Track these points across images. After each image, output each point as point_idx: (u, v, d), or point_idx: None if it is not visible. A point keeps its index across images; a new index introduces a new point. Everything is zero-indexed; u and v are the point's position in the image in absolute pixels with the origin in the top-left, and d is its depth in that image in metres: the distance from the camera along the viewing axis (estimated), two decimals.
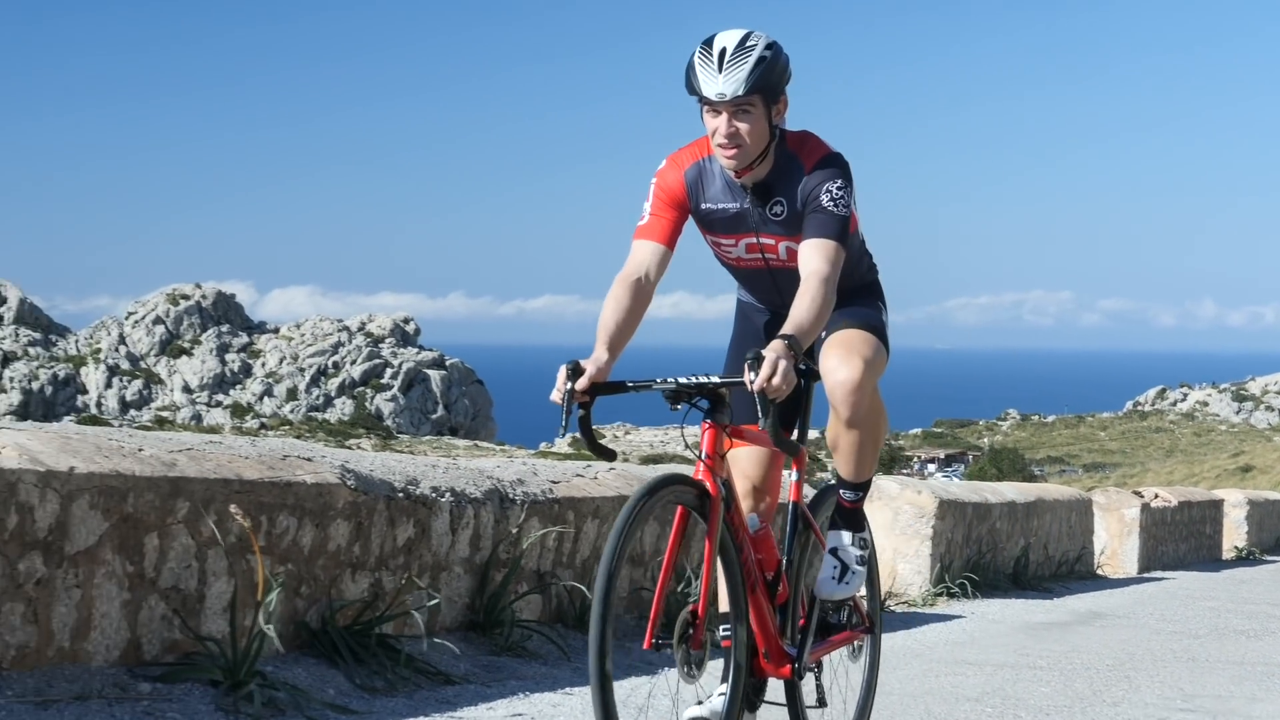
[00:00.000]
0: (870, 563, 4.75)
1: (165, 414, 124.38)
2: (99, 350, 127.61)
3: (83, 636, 4.68)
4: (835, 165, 4.36)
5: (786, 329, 4.06)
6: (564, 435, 4.21)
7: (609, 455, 4.20)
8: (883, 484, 11.32)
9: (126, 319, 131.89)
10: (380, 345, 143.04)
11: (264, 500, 5.25)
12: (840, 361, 4.36)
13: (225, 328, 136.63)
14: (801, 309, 4.15)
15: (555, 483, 6.95)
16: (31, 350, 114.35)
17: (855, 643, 4.89)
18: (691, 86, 4.26)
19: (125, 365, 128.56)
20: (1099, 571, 15.85)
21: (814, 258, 4.26)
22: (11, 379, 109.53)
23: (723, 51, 4.19)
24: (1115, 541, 16.94)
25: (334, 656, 5.44)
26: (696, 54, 4.24)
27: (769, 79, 4.20)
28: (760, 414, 3.89)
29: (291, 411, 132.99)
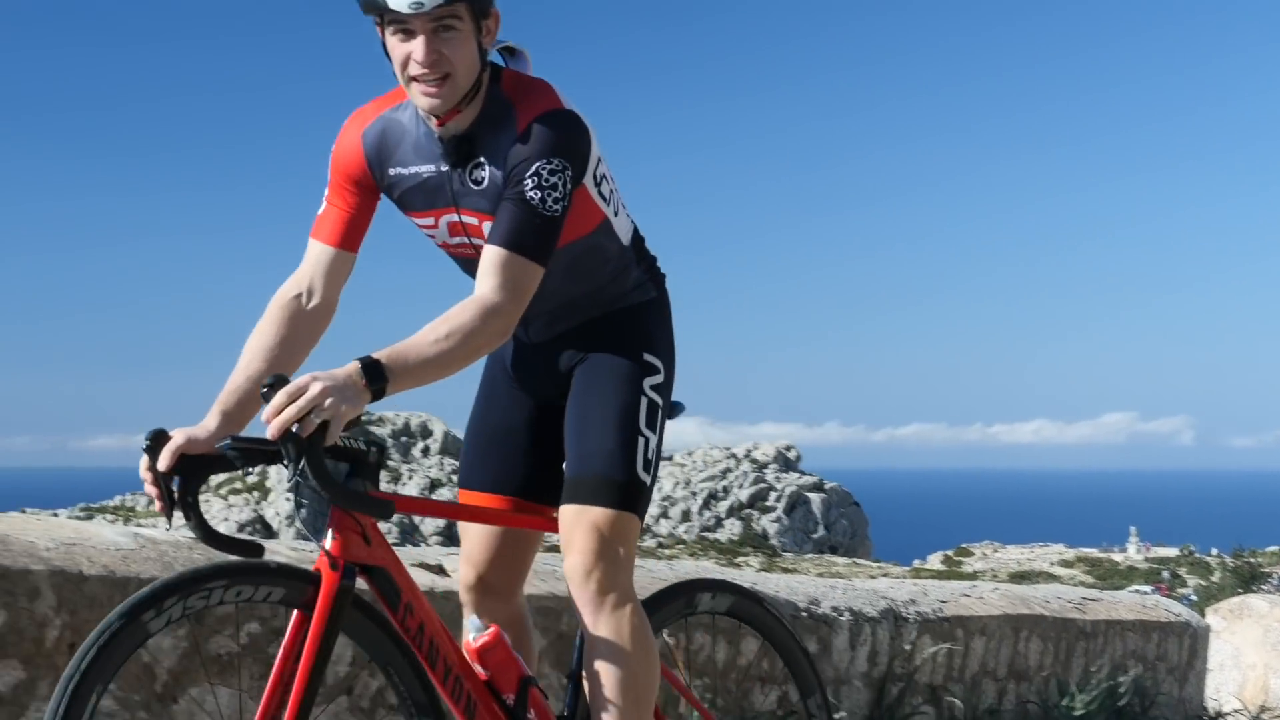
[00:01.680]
0: None
1: None
2: None
3: None
4: (558, 130, 2.99)
5: (379, 352, 2.76)
6: (170, 529, 3.08)
7: (247, 549, 2.84)
8: (1251, 602, 11.11)
9: None
10: (765, 470, 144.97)
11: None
12: (577, 549, 3.07)
13: None
14: (419, 338, 2.81)
15: (944, 602, 7.10)
16: (454, 477, 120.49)
17: None
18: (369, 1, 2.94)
19: None
20: None
21: (484, 276, 2.93)
22: None
23: None
24: None
25: None
26: None
27: None
28: (287, 464, 2.65)
29: (685, 532, 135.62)
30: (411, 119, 3.13)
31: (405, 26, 2.93)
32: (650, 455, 3.16)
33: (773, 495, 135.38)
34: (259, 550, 2.83)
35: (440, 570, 4.81)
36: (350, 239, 3.18)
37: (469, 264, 3.18)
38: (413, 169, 3.13)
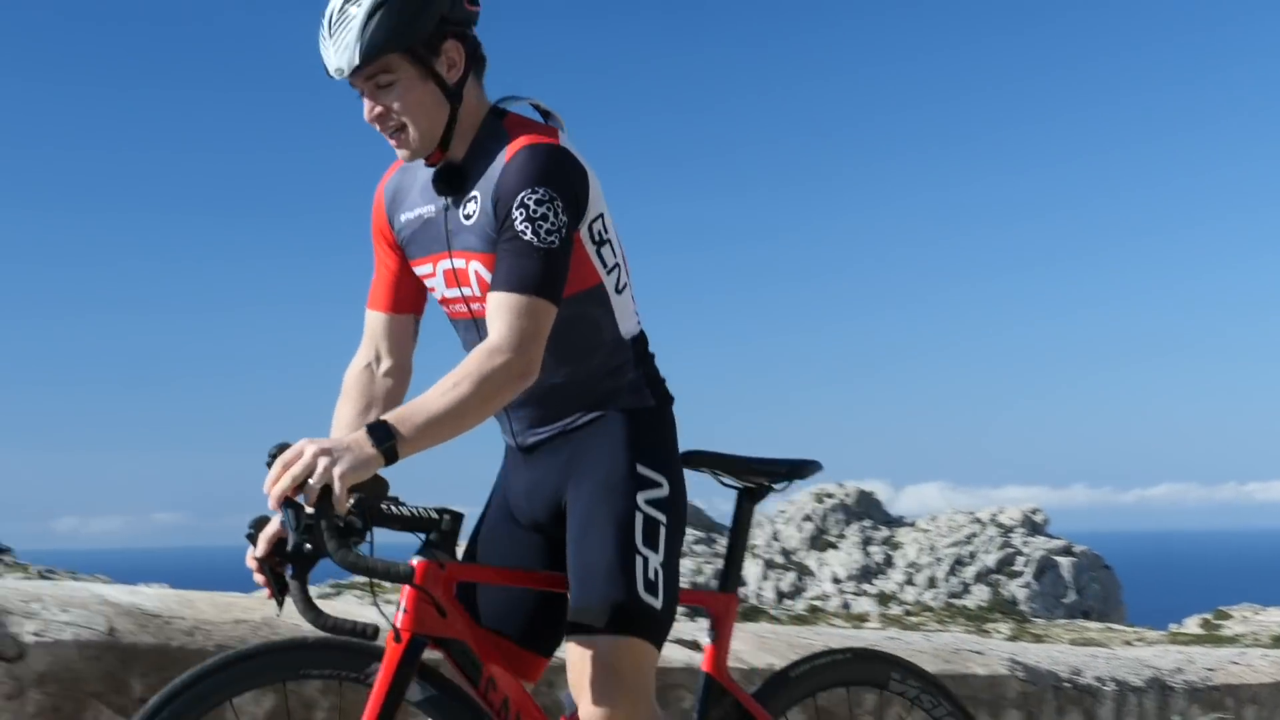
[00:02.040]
0: None
1: (817, 603, 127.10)
2: (755, 546, 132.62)
3: None
4: (544, 159, 2.78)
5: (387, 414, 2.64)
6: (280, 615, 3.03)
7: (359, 631, 2.67)
8: None
9: (778, 516, 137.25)
10: (1011, 534, 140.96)
11: None
12: (587, 685, 2.82)
13: (867, 522, 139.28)
14: (429, 393, 2.66)
15: (1212, 670, 6.92)
16: (696, 548, 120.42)
17: None
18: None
19: (779, 559, 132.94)
20: None
21: (491, 323, 2.76)
22: (681, 574, 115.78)
23: (330, 14, 2.79)
24: None
25: None
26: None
27: (398, 30, 2.74)
28: (290, 531, 2.56)
29: (932, 599, 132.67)
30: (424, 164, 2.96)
31: (354, 86, 2.82)
32: (653, 576, 2.83)
33: (1020, 560, 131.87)
34: (372, 633, 2.62)
35: (695, 646, 4.82)
36: (400, 301, 3.05)
37: (465, 328, 2.97)
38: (417, 211, 2.97)
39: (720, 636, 3.09)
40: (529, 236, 2.72)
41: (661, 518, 2.87)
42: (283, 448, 2.50)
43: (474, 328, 2.93)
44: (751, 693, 3.12)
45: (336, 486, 2.46)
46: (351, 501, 2.51)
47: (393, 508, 2.64)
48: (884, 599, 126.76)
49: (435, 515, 2.69)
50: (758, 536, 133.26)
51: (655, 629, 2.83)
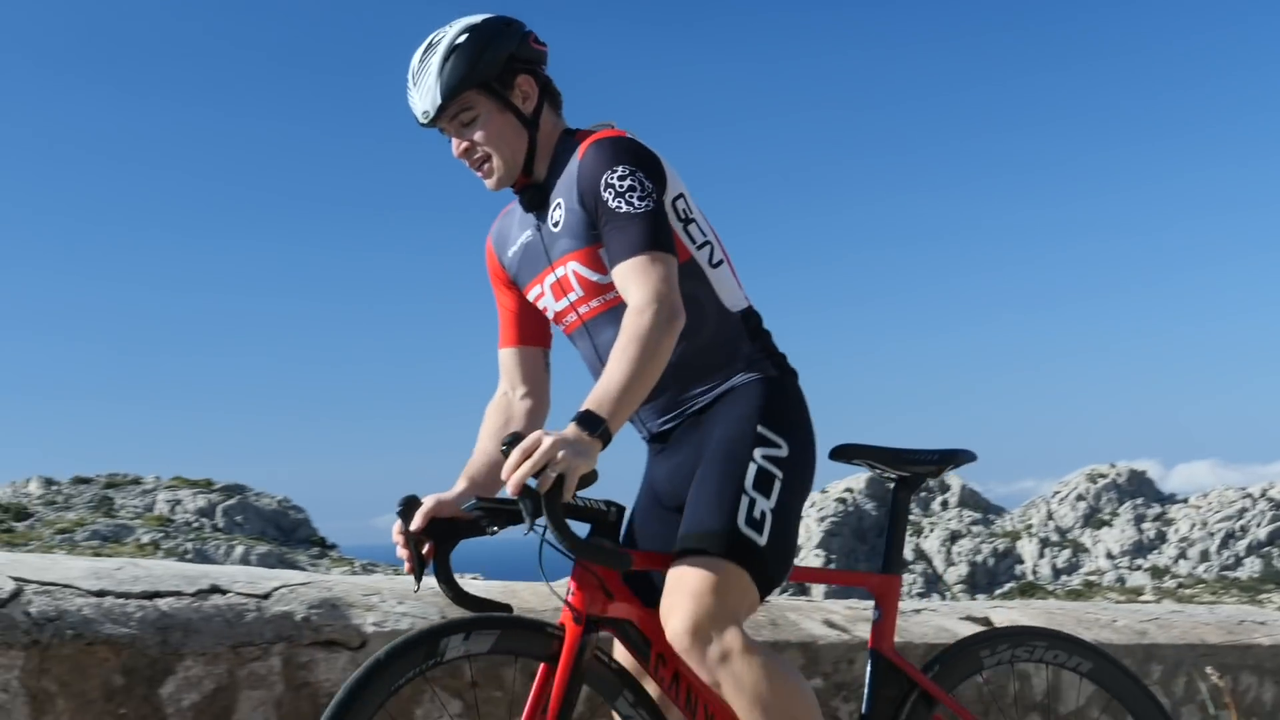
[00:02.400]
0: None
1: (1092, 578, 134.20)
2: (1030, 525, 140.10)
3: None
4: (617, 145, 2.93)
5: (586, 402, 2.68)
6: (417, 590, 3.19)
7: (497, 609, 2.87)
8: None
9: (1052, 497, 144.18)
10: None
11: (1226, 662, 5.28)
12: (673, 604, 2.77)
13: (1139, 500, 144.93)
14: (609, 370, 2.73)
15: None
16: (974, 529, 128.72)
17: None
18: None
19: (1054, 537, 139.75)
20: None
21: (624, 292, 2.85)
22: (958, 554, 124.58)
23: (413, 68, 3.02)
24: None
25: None
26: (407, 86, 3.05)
27: (474, 68, 2.97)
28: (526, 516, 2.60)
29: (1205, 571, 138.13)
30: (517, 204, 3.15)
31: (443, 130, 3.05)
32: (758, 516, 2.84)
33: None
34: (508, 611, 2.86)
35: (986, 622, 4.94)
36: (524, 335, 3.22)
37: (581, 338, 3.10)
38: (518, 241, 3.14)
39: (885, 615, 3.09)
40: (625, 208, 2.84)
41: (778, 473, 2.90)
42: (516, 437, 2.58)
43: (587, 335, 3.07)
44: (920, 668, 3.11)
45: (570, 476, 2.56)
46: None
47: (574, 500, 2.71)
48: (1157, 573, 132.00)
49: (605, 507, 2.79)
50: (1032, 516, 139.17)
51: (753, 561, 2.80)
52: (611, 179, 2.88)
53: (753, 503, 2.85)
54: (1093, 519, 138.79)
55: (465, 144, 3.01)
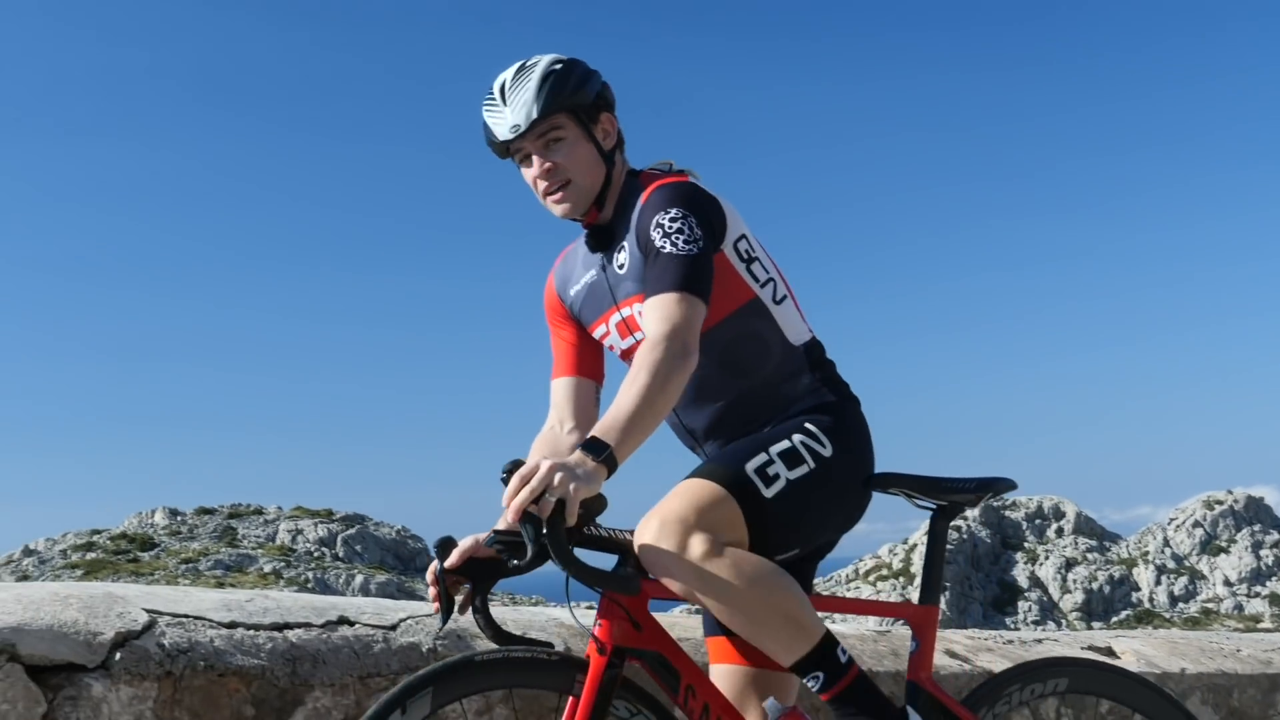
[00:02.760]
0: None
1: (1209, 606, 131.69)
2: (1147, 552, 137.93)
3: None
4: (676, 191, 2.97)
5: (593, 429, 2.68)
6: (442, 630, 3.22)
7: (536, 645, 2.83)
8: None
9: (1169, 524, 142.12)
10: None
11: None
12: (648, 517, 2.75)
13: (1257, 527, 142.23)
14: (617, 399, 2.71)
15: None
16: (1089, 556, 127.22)
17: None
18: (491, 143, 3.09)
19: (1170, 564, 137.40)
20: None
21: (646, 324, 2.86)
22: (1074, 581, 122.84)
23: (503, 85, 3.06)
24: None
25: None
26: (483, 107, 3.10)
27: (569, 93, 3.04)
28: (528, 544, 2.53)
29: None
30: (581, 243, 3.21)
31: (524, 152, 3.06)
32: (772, 474, 2.83)
33: None
34: (549, 647, 2.79)
35: (1109, 652, 4.85)
36: (579, 366, 3.25)
37: None
38: (582, 281, 3.18)
39: (923, 645, 3.00)
40: (669, 248, 2.86)
41: (809, 461, 2.88)
42: (516, 464, 2.55)
43: None
44: (961, 699, 3.02)
45: (571, 501, 2.51)
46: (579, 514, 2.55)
47: (592, 529, 2.71)
48: (1276, 600, 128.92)
49: (629, 537, 2.73)
50: (1148, 543, 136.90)
51: (749, 498, 2.78)
52: (663, 220, 2.92)
53: (770, 462, 2.87)
54: (1210, 546, 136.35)
55: (549, 165, 3.06)
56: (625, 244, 3.07)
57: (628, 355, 3.16)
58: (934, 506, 3.09)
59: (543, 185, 3.08)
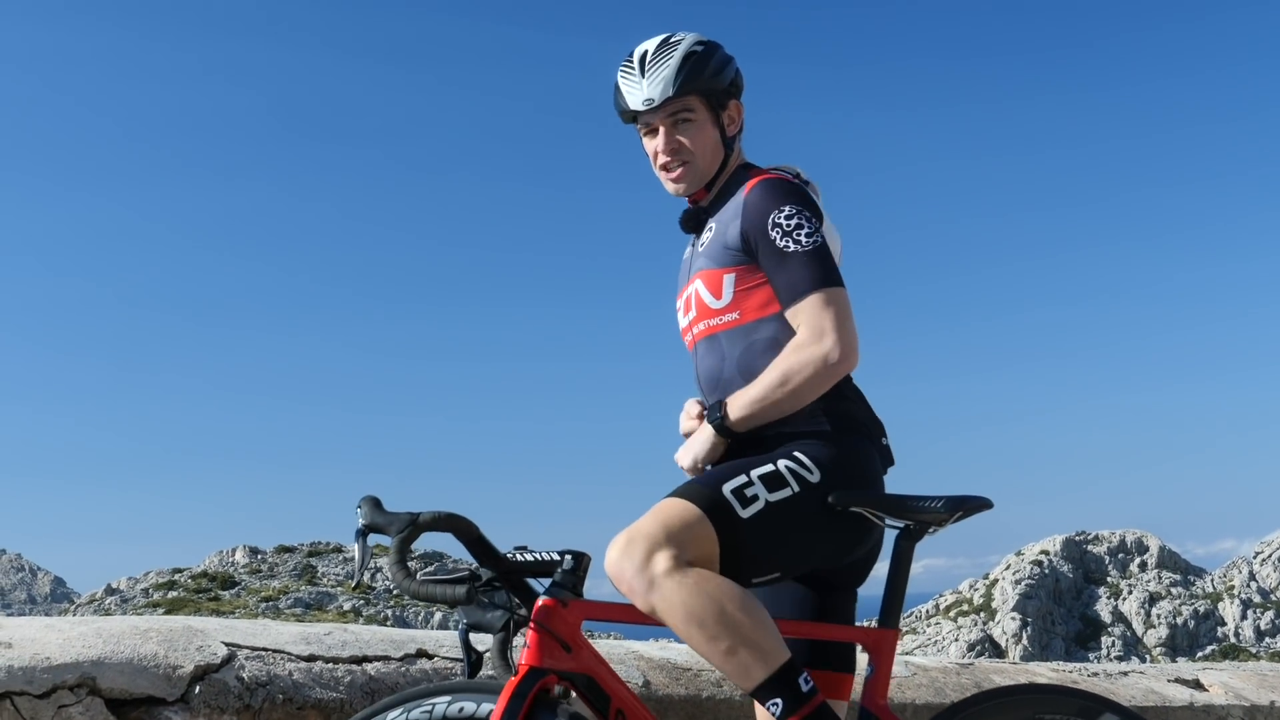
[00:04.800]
0: None
1: None
2: (1232, 586, 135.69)
3: None
4: (785, 187, 2.99)
5: (729, 399, 2.93)
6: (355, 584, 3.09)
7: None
8: None
9: (1254, 558, 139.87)
10: None
11: None
12: (616, 538, 2.74)
13: None
14: (753, 383, 2.92)
15: None
16: (1173, 590, 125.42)
17: None
18: (620, 108, 3.15)
19: (1257, 599, 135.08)
20: None
21: (798, 327, 2.92)
22: (1158, 616, 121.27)
23: (644, 55, 3.11)
24: None
25: None
26: (619, 71, 3.14)
27: (706, 76, 3.10)
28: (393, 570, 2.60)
29: None
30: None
31: (651, 125, 3.11)
32: (750, 495, 2.77)
33: None
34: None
35: (1197, 684, 4.84)
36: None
37: (693, 355, 3.13)
38: (682, 256, 3.23)
39: (878, 670, 2.88)
40: (793, 247, 2.88)
41: (792, 483, 2.82)
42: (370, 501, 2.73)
43: (695, 354, 3.12)
44: None
45: (694, 460, 2.94)
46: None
47: (519, 555, 2.70)
48: None
49: (557, 557, 2.71)
50: (1234, 577, 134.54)
51: (724, 519, 2.73)
52: (779, 219, 2.94)
53: (749, 484, 2.82)
54: None
55: (675, 143, 3.11)
56: (713, 224, 3.10)
57: (684, 333, 3.19)
58: (900, 526, 2.95)
59: (663, 160, 3.14)
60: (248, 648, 3.29)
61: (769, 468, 2.85)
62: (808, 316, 2.89)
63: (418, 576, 2.62)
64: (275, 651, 3.31)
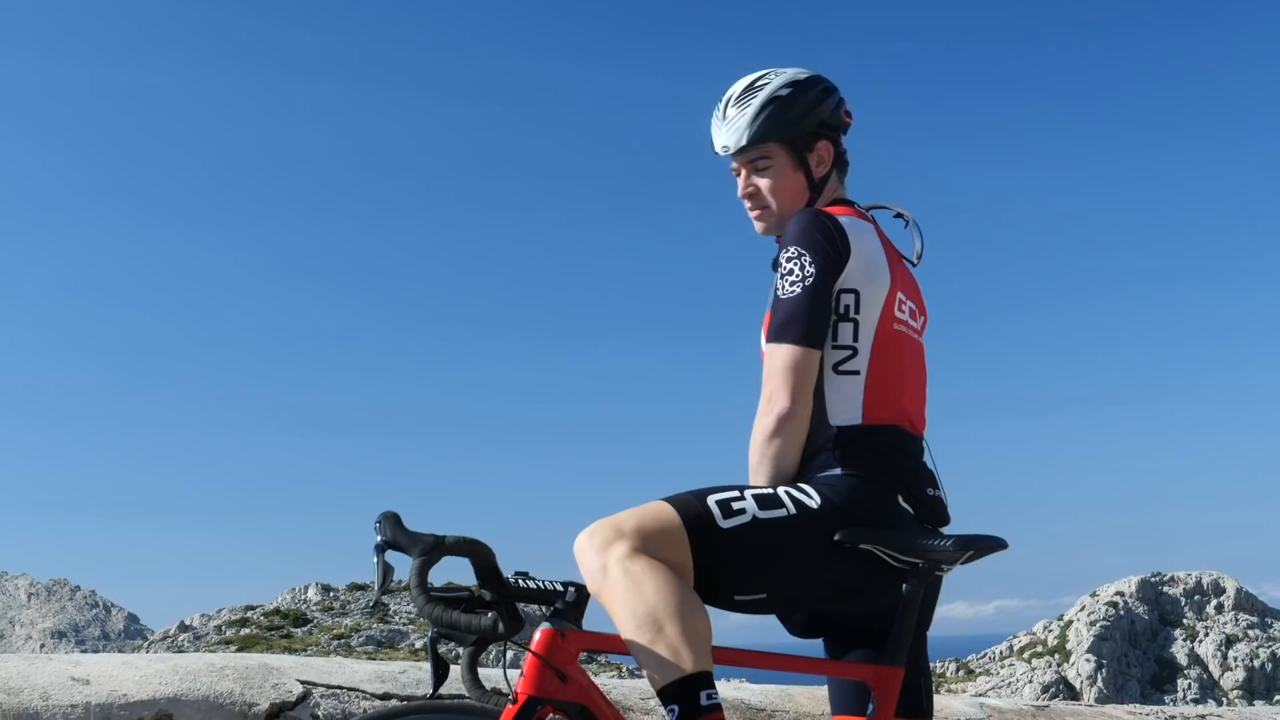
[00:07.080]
0: None
1: None
2: None
3: None
4: (798, 223, 2.92)
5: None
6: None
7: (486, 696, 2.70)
8: None
9: None
10: None
11: None
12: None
13: None
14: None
15: None
16: (1250, 633, 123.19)
17: None
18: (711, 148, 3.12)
19: None
20: None
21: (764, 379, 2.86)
22: (1235, 659, 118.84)
23: (729, 99, 3.09)
24: None
25: None
26: (713, 112, 3.13)
27: (786, 123, 3.03)
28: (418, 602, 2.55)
29: None
30: None
31: (734, 167, 3.10)
32: (736, 509, 2.71)
33: None
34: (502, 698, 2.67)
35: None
36: None
37: None
38: None
39: (880, 709, 2.80)
40: (779, 292, 2.86)
41: (789, 505, 2.75)
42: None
43: None
44: None
45: None
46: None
47: (522, 581, 2.67)
48: None
49: (560, 588, 2.70)
50: None
51: (701, 527, 2.68)
52: (782, 258, 2.90)
53: (739, 499, 2.75)
54: None
55: (752, 188, 3.08)
56: None
57: None
58: (908, 565, 2.83)
59: (746, 203, 3.12)
60: (323, 685, 3.29)
61: (767, 491, 2.78)
62: (766, 369, 2.88)
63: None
64: (351, 690, 3.31)
